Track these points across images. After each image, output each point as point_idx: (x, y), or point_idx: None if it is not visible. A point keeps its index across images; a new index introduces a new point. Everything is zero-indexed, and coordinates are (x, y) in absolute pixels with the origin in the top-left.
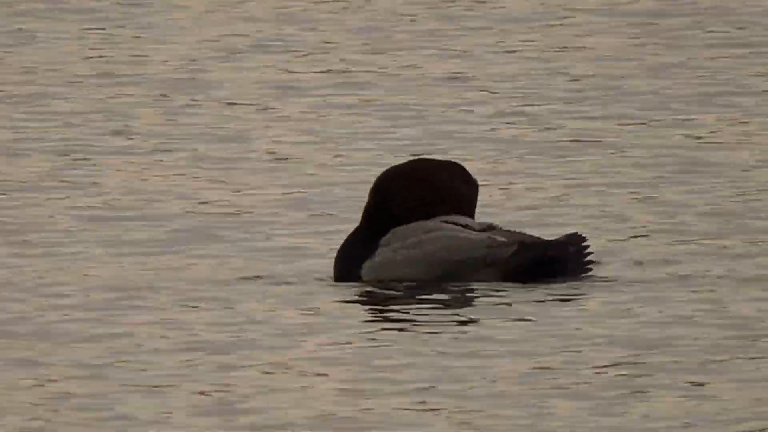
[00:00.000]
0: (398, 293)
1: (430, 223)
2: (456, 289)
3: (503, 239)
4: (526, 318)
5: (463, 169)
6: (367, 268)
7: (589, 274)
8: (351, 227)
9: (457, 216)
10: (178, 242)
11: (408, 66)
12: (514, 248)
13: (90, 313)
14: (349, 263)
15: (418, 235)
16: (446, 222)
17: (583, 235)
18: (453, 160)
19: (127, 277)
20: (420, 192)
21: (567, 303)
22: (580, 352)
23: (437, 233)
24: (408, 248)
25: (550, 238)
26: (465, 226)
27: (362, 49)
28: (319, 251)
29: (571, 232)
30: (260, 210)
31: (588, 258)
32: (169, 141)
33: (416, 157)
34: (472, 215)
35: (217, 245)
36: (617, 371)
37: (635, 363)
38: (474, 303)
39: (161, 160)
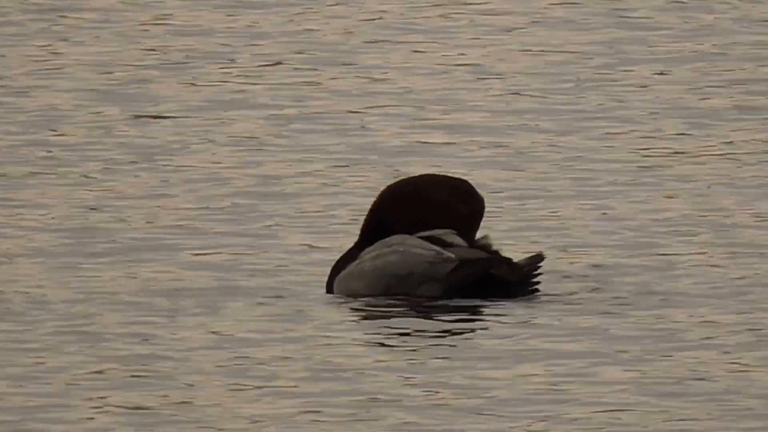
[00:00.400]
0: (349, 307)
1: (395, 238)
2: (407, 304)
3: (450, 255)
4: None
5: (467, 186)
6: (336, 281)
7: (538, 294)
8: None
9: (444, 231)
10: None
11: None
12: (454, 264)
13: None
14: (331, 276)
15: (380, 249)
16: (422, 236)
17: (543, 256)
18: (460, 176)
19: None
20: (414, 208)
21: (496, 320)
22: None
23: (392, 248)
24: (364, 262)
25: (520, 258)
26: (441, 242)
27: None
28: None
29: (536, 252)
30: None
31: (535, 279)
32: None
33: (422, 173)
34: (470, 232)
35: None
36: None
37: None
38: (436, 317)
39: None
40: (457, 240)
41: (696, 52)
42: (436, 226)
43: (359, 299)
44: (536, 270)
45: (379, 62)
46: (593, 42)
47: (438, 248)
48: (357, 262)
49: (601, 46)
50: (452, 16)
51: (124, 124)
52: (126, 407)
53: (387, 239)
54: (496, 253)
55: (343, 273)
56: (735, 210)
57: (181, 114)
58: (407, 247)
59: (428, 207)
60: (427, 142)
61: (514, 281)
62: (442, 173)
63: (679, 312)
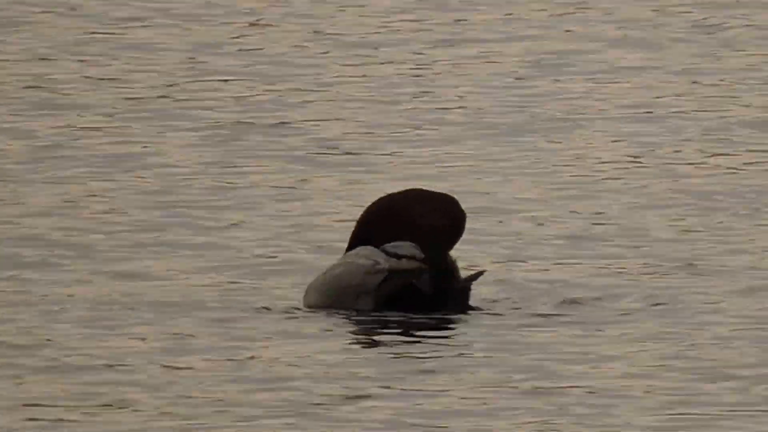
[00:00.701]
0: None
1: (357, 250)
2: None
3: (385, 266)
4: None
5: (448, 202)
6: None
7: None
8: None
9: (405, 243)
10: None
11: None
12: (383, 276)
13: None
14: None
15: (339, 260)
16: (383, 248)
17: (482, 273)
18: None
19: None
20: (393, 223)
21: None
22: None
23: (341, 260)
24: (323, 274)
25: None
26: (396, 255)
27: None
28: None
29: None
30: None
31: (466, 295)
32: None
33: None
34: (449, 247)
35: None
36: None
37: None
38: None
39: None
40: (417, 252)
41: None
42: (415, 241)
43: (310, 311)
44: (467, 285)
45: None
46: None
47: (377, 259)
48: (321, 274)
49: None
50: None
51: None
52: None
53: (352, 251)
54: (452, 265)
55: (307, 286)
56: (656, 224)
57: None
58: (355, 259)
59: (406, 222)
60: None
61: (429, 295)
62: (429, 188)
63: (601, 325)
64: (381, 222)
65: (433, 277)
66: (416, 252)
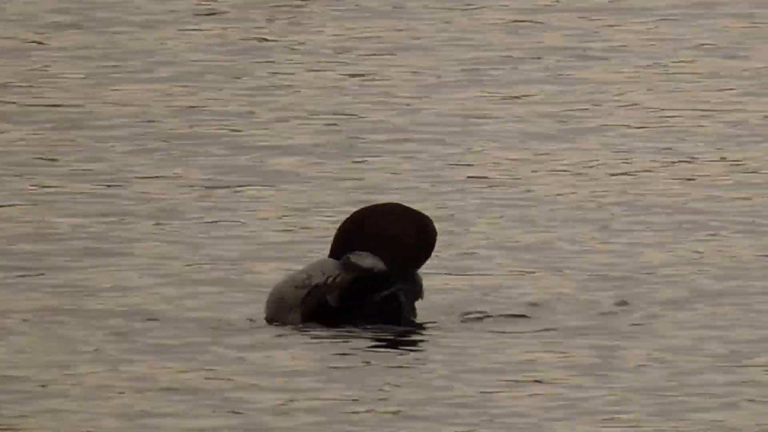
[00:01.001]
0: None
1: (313, 262)
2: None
3: (318, 280)
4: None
5: (419, 219)
6: None
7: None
8: None
9: (360, 253)
10: None
11: None
12: (306, 291)
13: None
14: None
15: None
16: (346, 258)
17: (397, 289)
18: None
19: None
20: (360, 236)
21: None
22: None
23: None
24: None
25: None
26: (346, 265)
27: None
28: None
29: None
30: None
31: (391, 308)
32: None
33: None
34: (417, 264)
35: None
36: None
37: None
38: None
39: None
40: (378, 264)
41: None
42: (381, 256)
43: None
44: (377, 299)
45: None
46: None
47: (310, 273)
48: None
49: None
50: None
51: None
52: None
53: (313, 262)
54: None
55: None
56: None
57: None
58: (296, 272)
59: (372, 236)
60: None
61: (337, 307)
62: (404, 203)
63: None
64: (350, 234)
65: (344, 292)
66: (378, 263)
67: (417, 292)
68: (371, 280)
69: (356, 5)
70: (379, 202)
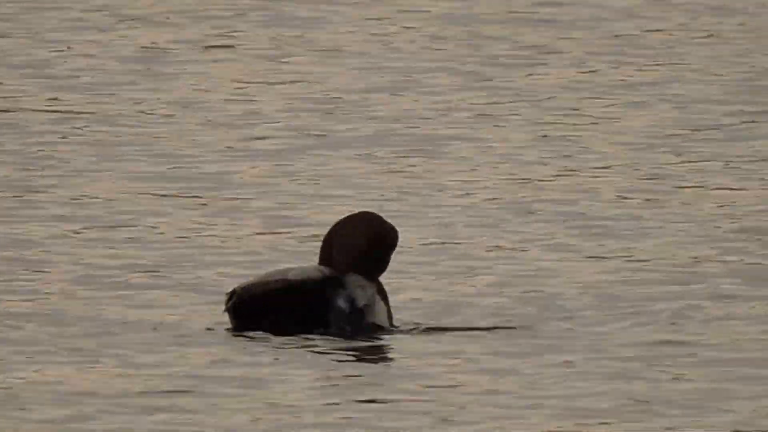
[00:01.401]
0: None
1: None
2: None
3: (248, 287)
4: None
5: (367, 221)
6: None
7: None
8: None
9: (312, 266)
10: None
11: None
12: (229, 296)
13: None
14: None
15: None
16: (292, 269)
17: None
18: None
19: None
20: (329, 245)
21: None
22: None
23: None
24: None
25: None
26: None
27: None
28: None
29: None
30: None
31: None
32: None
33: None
34: (377, 268)
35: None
36: None
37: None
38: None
39: None
40: (315, 275)
41: None
42: (342, 263)
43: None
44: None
45: None
46: None
47: (254, 281)
48: None
49: None
50: None
51: None
52: None
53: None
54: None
55: None
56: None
57: None
58: (246, 280)
59: (336, 244)
60: None
61: (228, 309)
62: (374, 212)
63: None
64: (325, 243)
65: (268, 299)
66: (316, 274)
67: (369, 298)
68: (296, 290)
69: None
70: (356, 211)
